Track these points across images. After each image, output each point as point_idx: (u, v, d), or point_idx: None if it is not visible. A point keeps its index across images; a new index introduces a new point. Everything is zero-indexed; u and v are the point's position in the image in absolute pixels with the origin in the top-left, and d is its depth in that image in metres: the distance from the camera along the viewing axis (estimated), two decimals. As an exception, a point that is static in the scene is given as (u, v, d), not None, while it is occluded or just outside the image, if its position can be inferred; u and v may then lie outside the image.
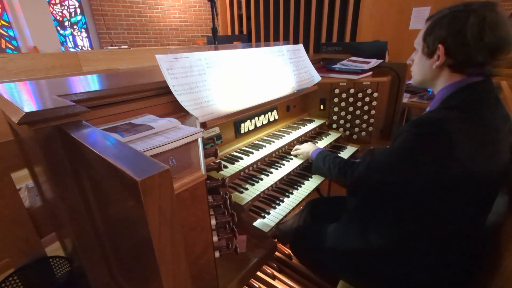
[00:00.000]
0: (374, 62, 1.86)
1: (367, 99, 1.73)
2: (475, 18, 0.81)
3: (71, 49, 4.91)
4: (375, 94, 1.70)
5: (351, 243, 1.05)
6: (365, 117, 1.77)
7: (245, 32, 4.65)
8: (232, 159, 1.30)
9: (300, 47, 1.77)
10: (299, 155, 1.46)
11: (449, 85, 0.92)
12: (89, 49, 5.14)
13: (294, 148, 1.50)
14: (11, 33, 4.25)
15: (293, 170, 1.38)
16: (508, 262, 0.76)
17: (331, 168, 1.10)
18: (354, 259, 1.04)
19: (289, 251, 1.68)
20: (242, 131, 1.48)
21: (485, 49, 0.82)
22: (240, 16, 4.67)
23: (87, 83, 1.06)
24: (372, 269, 1.01)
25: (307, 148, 1.41)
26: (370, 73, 1.80)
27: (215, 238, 0.83)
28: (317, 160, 1.26)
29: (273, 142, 1.49)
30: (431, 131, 0.84)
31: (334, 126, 1.87)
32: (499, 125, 0.86)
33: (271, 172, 1.32)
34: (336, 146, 1.74)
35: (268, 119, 1.63)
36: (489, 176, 0.85)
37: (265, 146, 1.43)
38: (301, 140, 1.66)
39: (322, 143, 1.66)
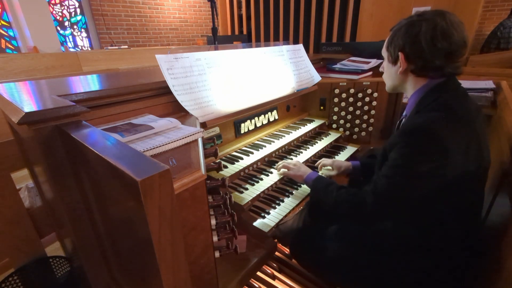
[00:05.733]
0: (374, 62, 1.86)
1: (367, 99, 1.73)
2: (427, 26, 0.87)
3: (71, 49, 4.91)
4: (375, 94, 1.70)
5: (351, 249, 1.05)
6: (365, 117, 1.77)
7: (245, 32, 4.64)
8: (232, 159, 1.30)
9: (300, 47, 1.77)
10: (287, 176, 1.28)
11: (418, 89, 0.97)
12: (89, 49, 5.13)
13: (280, 165, 1.30)
14: (11, 33, 4.25)
15: (293, 170, 1.38)
16: (510, 262, 0.76)
17: (338, 203, 1.02)
18: (354, 268, 1.03)
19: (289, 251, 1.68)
20: (242, 131, 1.48)
21: (440, 54, 0.88)
22: (240, 16, 4.66)
23: (87, 83, 1.06)
24: (372, 276, 1.01)
25: (298, 171, 1.24)
26: (370, 73, 1.80)
27: (215, 238, 0.82)
28: (317, 191, 1.14)
29: (273, 142, 1.49)
30: (421, 137, 0.85)
31: (334, 126, 1.87)
32: (474, 117, 0.89)
33: (271, 172, 1.32)
34: (336, 146, 1.74)
35: (268, 119, 1.63)
36: (481, 166, 0.89)
37: (265, 146, 1.43)
38: (301, 140, 1.66)
39: (322, 143, 1.66)
